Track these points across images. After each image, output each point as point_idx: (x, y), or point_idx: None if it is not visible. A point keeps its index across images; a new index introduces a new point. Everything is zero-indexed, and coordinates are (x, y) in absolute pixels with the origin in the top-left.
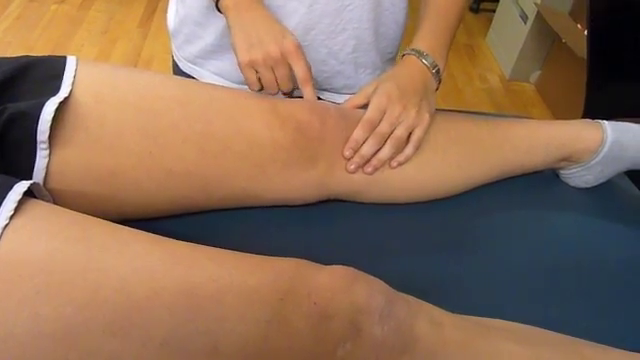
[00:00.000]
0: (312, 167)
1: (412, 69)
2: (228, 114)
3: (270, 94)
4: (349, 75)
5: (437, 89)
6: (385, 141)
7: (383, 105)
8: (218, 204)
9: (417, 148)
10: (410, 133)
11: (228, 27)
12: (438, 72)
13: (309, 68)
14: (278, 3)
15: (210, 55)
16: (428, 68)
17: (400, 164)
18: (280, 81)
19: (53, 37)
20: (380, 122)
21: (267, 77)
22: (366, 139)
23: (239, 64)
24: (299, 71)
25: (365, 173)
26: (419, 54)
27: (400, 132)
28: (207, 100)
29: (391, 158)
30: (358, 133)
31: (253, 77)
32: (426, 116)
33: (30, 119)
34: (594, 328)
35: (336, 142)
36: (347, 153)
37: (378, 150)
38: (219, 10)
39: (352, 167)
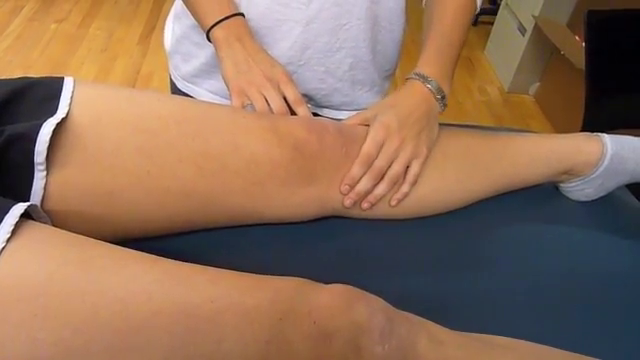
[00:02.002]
0: (310, 184)
1: (416, 96)
2: (226, 132)
3: None
4: (347, 93)
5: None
6: (382, 176)
7: (381, 138)
8: (216, 222)
9: (414, 184)
10: (408, 166)
11: (218, 58)
12: (444, 98)
13: (299, 92)
14: (274, 22)
15: (206, 74)
16: (433, 94)
17: (399, 201)
18: (272, 103)
19: (53, 56)
20: (377, 156)
21: (257, 100)
22: (362, 175)
23: (230, 92)
24: (290, 94)
25: (361, 209)
26: (424, 79)
27: (396, 169)
28: (204, 118)
29: (387, 192)
30: (355, 169)
31: (240, 104)
32: (424, 149)
33: (27, 141)
34: (595, 342)
35: (334, 159)
36: (343, 189)
37: (375, 185)
38: (209, 40)
39: (348, 202)
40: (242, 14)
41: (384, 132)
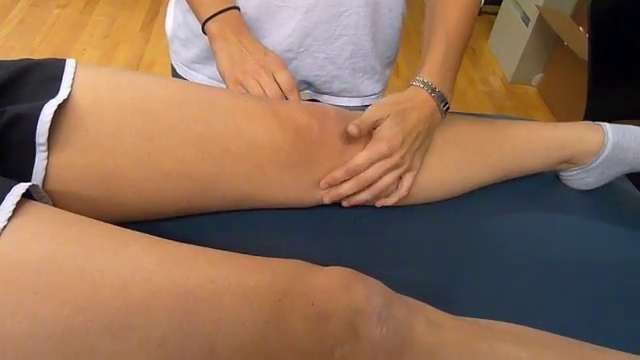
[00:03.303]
0: (311, 169)
1: (423, 109)
2: (227, 115)
3: None
4: (347, 80)
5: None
6: (368, 185)
7: (378, 153)
8: (217, 206)
9: (402, 197)
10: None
11: (212, 52)
12: (447, 109)
13: (292, 78)
14: (274, 9)
15: (206, 60)
16: (438, 105)
17: (384, 205)
18: (266, 88)
19: (55, 41)
20: (368, 168)
21: (252, 87)
22: (344, 179)
23: (225, 82)
24: (282, 80)
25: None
26: (431, 90)
27: (387, 182)
28: (206, 102)
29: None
30: (339, 174)
31: (237, 90)
32: (418, 163)
33: (29, 121)
34: (595, 330)
35: (335, 145)
36: (322, 186)
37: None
38: (204, 32)
39: (326, 200)
40: (237, 7)
41: (387, 148)
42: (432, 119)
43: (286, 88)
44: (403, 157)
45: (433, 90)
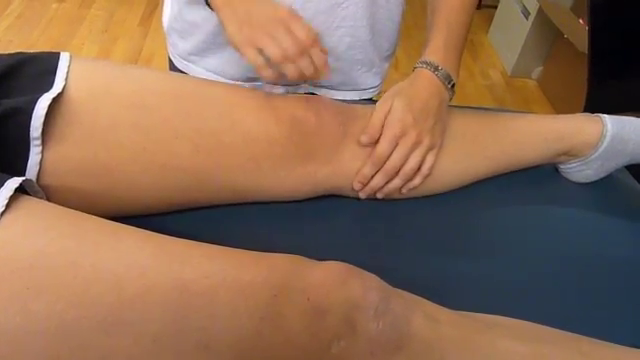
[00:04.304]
0: (308, 162)
1: (428, 87)
2: (222, 109)
3: (288, 84)
4: (345, 72)
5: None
6: (395, 173)
7: (395, 136)
8: (212, 200)
9: (426, 177)
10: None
11: (220, 22)
12: (453, 86)
13: (312, 28)
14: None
15: (203, 52)
16: (443, 83)
17: (409, 190)
18: (284, 43)
19: (54, 36)
20: (391, 154)
21: (268, 45)
22: (374, 174)
23: (237, 49)
24: (300, 33)
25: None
26: (434, 68)
27: (411, 165)
28: (201, 95)
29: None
30: (368, 169)
31: (257, 57)
32: (438, 140)
33: (24, 115)
34: (594, 324)
35: (332, 137)
36: (356, 186)
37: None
38: (209, 6)
39: (363, 195)
40: None
41: (400, 129)
42: (440, 97)
43: (305, 41)
44: (419, 135)
45: (436, 68)
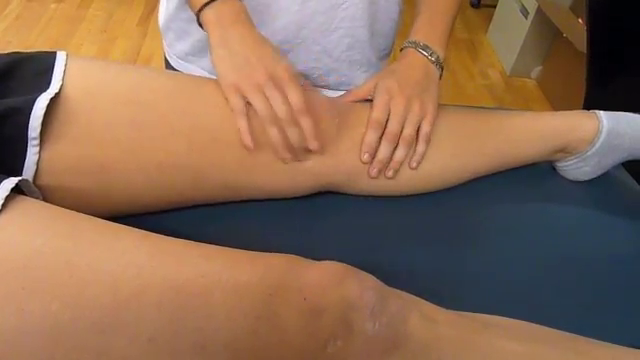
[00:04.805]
0: (303, 157)
1: (411, 62)
2: (217, 106)
3: (280, 154)
4: (344, 72)
5: (440, 78)
6: (397, 140)
7: (386, 102)
8: (209, 198)
9: (428, 142)
10: (418, 129)
11: (209, 45)
12: (438, 60)
13: (304, 97)
14: (269, 1)
15: (200, 52)
16: (427, 58)
17: (419, 163)
18: (276, 108)
19: (52, 36)
20: (388, 121)
21: (258, 103)
22: (378, 140)
23: (223, 87)
24: (294, 99)
25: (387, 177)
26: (416, 45)
27: (409, 130)
28: (196, 92)
29: (406, 156)
30: (370, 136)
31: (240, 103)
32: (430, 107)
33: (21, 115)
34: (592, 323)
35: (326, 131)
36: (364, 158)
37: (393, 150)
38: (200, 25)
39: (374, 172)
40: None
41: (388, 96)
42: (425, 69)
43: (298, 110)
44: (409, 100)
45: (417, 45)
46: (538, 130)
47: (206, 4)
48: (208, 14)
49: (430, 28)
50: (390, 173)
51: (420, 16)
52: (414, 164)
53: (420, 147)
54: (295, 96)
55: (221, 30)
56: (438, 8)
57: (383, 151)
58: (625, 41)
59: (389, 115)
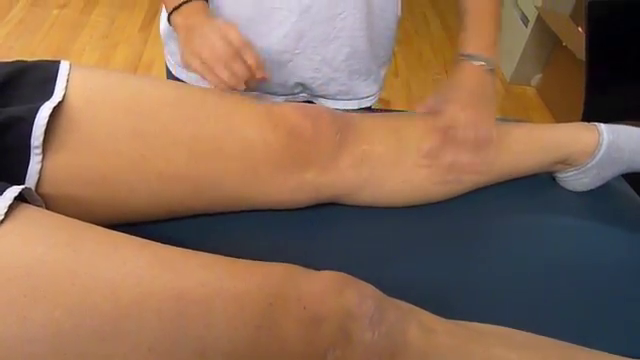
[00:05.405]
0: (304, 170)
1: (468, 74)
2: (220, 116)
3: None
4: (343, 82)
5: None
6: (461, 147)
7: (456, 113)
8: (209, 207)
9: (493, 145)
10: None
11: (179, 43)
12: (492, 68)
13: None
14: (269, 10)
15: None
16: (483, 68)
17: (487, 166)
18: (220, 51)
19: (55, 42)
20: (453, 130)
21: (206, 51)
22: (441, 147)
23: (186, 63)
24: (233, 37)
25: (446, 181)
26: (470, 57)
27: (472, 137)
28: (199, 102)
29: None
30: (434, 143)
31: (199, 66)
32: (490, 112)
33: (25, 124)
34: (590, 333)
35: (329, 145)
36: (424, 162)
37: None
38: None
39: (438, 177)
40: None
41: (459, 107)
42: (483, 79)
43: (237, 44)
44: (471, 109)
45: (472, 57)
46: (539, 142)
47: (175, 8)
48: (176, 18)
49: (480, 40)
50: (450, 177)
51: (468, 27)
52: (484, 167)
53: (489, 150)
54: (234, 37)
55: (186, 30)
56: (484, 16)
57: (448, 155)
58: (624, 49)
59: (454, 124)
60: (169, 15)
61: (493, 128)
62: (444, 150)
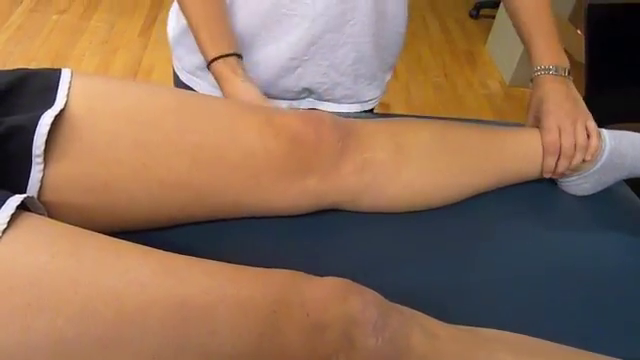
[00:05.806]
0: (307, 177)
1: (554, 87)
2: (222, 124)
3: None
4: (349, 86)
5: None
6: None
7: (557, 126)
8: (212, 215)
9: (598, 135)
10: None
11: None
12: (569, 74)
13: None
14: (281, 17)
15: None
16: (563, 77)
17: (593, 155)
18: None
19: (54, 47)
20: (562, 143)
21: None
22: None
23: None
24: None
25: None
26: (548, 70)
27: (580, 140)
28: (201, 110)
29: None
30: (550, 161)
31: None
32: (585, 113)
33: (26, 132)
34: (593, 338)
35: (331, 153)
36: (546, 175)
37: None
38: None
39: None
40: (239, 55)
41: (557, 120)
42: (568, 87)
43: None
44: (575, 120)
45: (549, 70)
46: (539, 147)
47: (211, 62)
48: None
49: (550, 51)
50: (558, 175)
51: (535, 43)
52: (589, 157)
53: (593, 141)
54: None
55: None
56: (544, 27)
57: (561, 167)
58: (623, 52)
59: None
60: (208, 64)
61: (592, 122)
62: (560, 161)
